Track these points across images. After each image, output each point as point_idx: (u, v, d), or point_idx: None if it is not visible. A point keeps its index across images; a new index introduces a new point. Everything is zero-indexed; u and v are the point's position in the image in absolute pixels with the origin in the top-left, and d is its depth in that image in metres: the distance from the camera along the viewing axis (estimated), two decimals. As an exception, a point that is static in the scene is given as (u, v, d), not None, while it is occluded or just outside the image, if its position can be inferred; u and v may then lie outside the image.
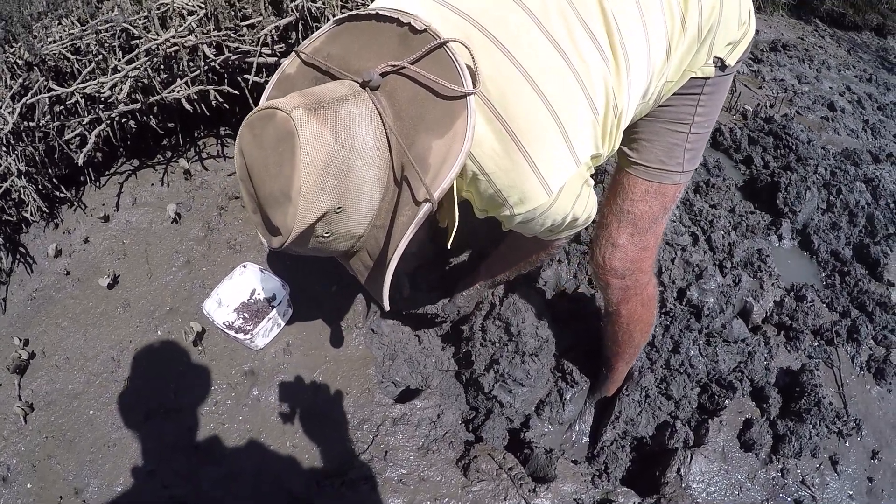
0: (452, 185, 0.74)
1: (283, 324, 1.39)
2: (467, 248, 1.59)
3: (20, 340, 1.43)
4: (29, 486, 1.25)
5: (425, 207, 0.67)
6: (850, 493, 1.38)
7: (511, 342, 1.30)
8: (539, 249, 1.13)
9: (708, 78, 0.91)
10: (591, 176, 0.90)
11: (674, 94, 0.93)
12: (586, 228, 1.62)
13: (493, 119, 0.72)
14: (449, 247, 0.80)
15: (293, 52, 0.79)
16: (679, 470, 1.31)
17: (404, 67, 0.68)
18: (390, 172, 0.70)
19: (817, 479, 1.37)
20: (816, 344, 1.63)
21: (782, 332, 1.64)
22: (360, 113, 0.67)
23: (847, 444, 1.45)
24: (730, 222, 1.80)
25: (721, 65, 0.90)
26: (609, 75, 0.78)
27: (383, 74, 0.69)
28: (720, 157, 2.08)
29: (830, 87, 2.56)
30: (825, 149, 2.15)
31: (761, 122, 2.22)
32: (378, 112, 0.68)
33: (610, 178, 1.13)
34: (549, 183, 0.76)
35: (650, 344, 1.45)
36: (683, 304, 1.53)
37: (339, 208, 0.67)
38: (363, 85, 0.68)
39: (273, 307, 1.36)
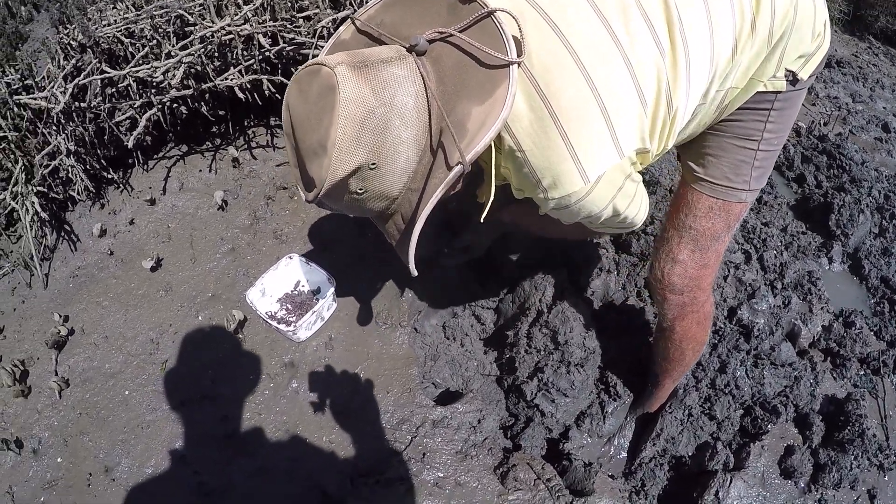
0: (491, 159, 0.76)
1: (326, 318, 1.38)
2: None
3: (60, 316, 1.45)
4: (59, 460, 1.26)
5: (456, 170, 0.68)
6: (885, 528, 1.33)
7: (557, 351, 1.28)
8: (578, 234, 1.11)
9: (779, 92, 0.87)
10: (642, 174, 0.87)
11: (742, 109, 0.90)
12: (636, 237, 1.60)
13: (534, 94, 0.71)
14: (482, 221, 0.81)
15: (348, 20, 0.80)
16: (717, 493, 1.28)
17: (451, 35, 0.69)
18: (428, 136, 0.71)
19: None
20: (862, 373, 1.57)
21: (829, 359, 1.58)
22: (404, 75, 0.68)
23: (886, 479, 1.39)
24: (781, 241, 1.75)
25: (793, 78, 0.86)
26: (664, 67, 0.75)
27: (430, 41, 0.70)
28: (773, 174, 2.03)
29: (884, 108, 2.48)
30: (879, 171, 2.08)
31: (815, 140, 2.15)
32: (421, 76, 0.69)
33: (673, 193, 1.10)
34: (587, 169, 0.73)
35: (697, 362, 1.41)
36: (734, 323, 1.48)
37: (373, 164, 0.68)
38: (410, 49, 0.70)
39: (318, 300, 1.36)
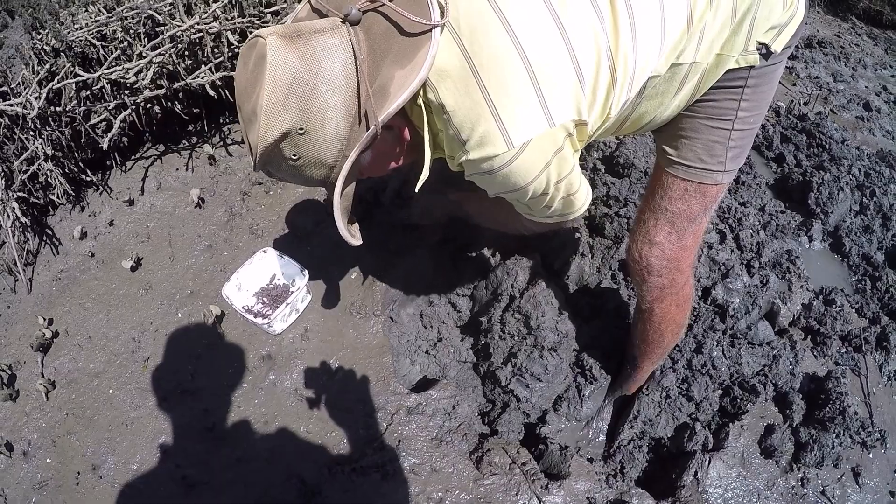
0: (424, 124, 0.78)
1: (301, 309, 1.40)
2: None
3: (44, 320, 1.46)
4: (48, 460, 1.28)
5: (370, 131, 0.71)
6: (871, 506, 1.33)
7: (530, 336, 1.28)
8: (524, 225, 1.09)
9: (752, 68, 0.85)
10: (583, 157, 0.86)
11: (715, 88, 0.88)
12: (610, 220, 1.60)
13: (460, 54, 0.71)
14: (416, 190, 0.83)
15: None
16: (696, 474, 1.28)
17: (382, 4, 0.72)
18: (357, 103, 0.73)
19: (838, 490, 1.32)
20: (844, 350, 1.57)
21: (809, 337, 1.58)
22: (335, 44, 0.70)
23: (871, 456, 1.39)
24: (759, 221, 1.74)
25: (766, 51, 0.83)
26: (602, 31, 0.74)
27: (363, 11, 0.72)
28: (751, 154, 2.02)
29: (866, 87, 2.46)
30: (859, 149, 2.07)
31: (794, 120, 2.14)
32: (352, 45, 0.71)
33: (649, 176, 1.10)
34: (510, 133, 0.72)
35: (685, 329, 1.40)
36: (708, 303, 1.48)
37: (301, 129, 0.71)
38: (344, 20, 0.72)
39: (292, 293, 1.37)
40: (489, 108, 0.71)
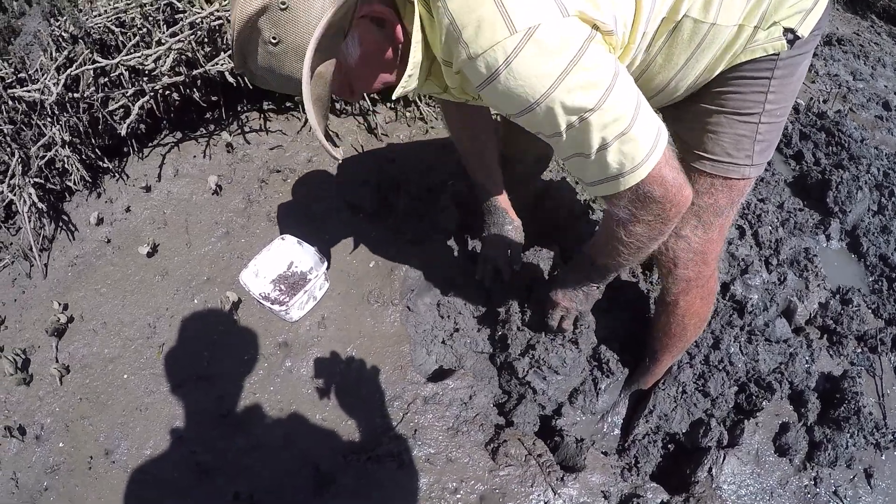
0: (416, 23, 0.69)
1: (318, 297, 1.40)
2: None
3: (59, 305, 1.47)
4: (61, 444, 1.29)
5: (334, 9, 0.62)
6: (882, 508, 1.32)
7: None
8: (612, 222, 0.87)
9: (778, 57, 0.83)
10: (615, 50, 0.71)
11: (741, 79, 0.86)
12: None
13: None
14: (394, 97, 0.75)
15: None
16: (710, 469, 1.28)
17: None
18: None
19: (850, 491, 1.32)
20: (860, 350, 1.56)
21: (825, 336, 1.58)
22: None
23: (883, 458, 1.39)
24: (777, 218, 1.74)
25: (793, 37, 0.80)
26: None
27: None
28: (768, 152, 2.01)
29: (885, 86, 2.44)
30: (878, 149, 2.05)
31: (814, 118, 2.13)
32: None
33: None
34: (511, 14, 0.62)
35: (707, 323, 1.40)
36: (727, 298, 1.48)
37: (283, 3, 0.64)
38: None
39: (309, 280, 1.36)
40: None
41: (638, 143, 0.71)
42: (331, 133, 0.84)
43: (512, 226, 1.31)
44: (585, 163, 0.75)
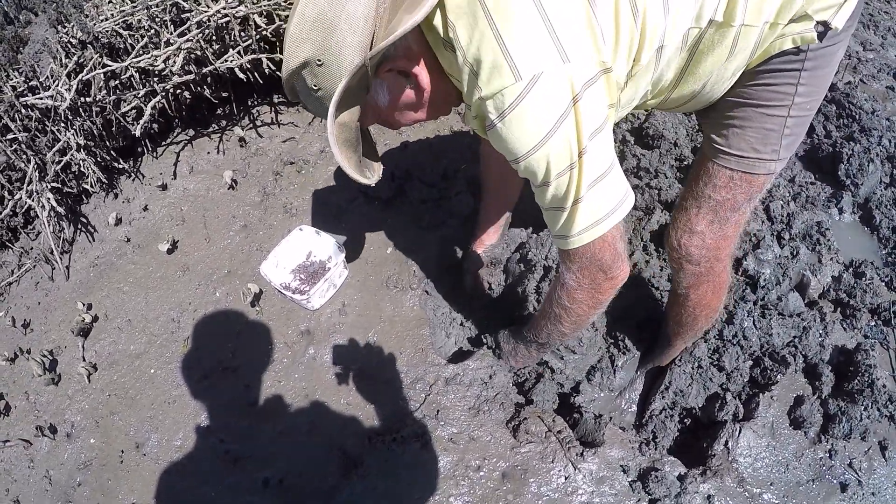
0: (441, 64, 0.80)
1: (338, 285, 1.42)
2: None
3: (83, 305, 1.50)
4: (92, 441, 1.32)
5: (357, 63, 0.74)
6: (897, 481, 1.32)
7: (563, 308, 1.29)
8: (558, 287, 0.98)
9: (809, 48, 0.78)
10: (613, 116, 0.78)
11: (770, 71, 0.83)
12: (641, 192, 1.53)
13: None
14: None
15: None
16: (727, 443, 1.29)
17: None
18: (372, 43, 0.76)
19: (865, 463, 1.32)
20: (873, 323, 1.56)
21: (839, 309, 1.57)
22: None
23: None
24: (789, 192, 1.73)
25: (824, 29, 0.76)
26: None
27: None
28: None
29: None
30: (890, 120, 2.02)
31: (822, 91, 2.10)
32: None
33: (694, 161, 1.06)
34: (517, 63, 0.69)
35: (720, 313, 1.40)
36: (739, 273, 1.48)
37: (319, 61, 0.76)
38: None
39: (329, 269, 1.39)
40: (496, 38, 0.70)
41: (604, 200, 0.80)
42: (363, 160, 0.93)
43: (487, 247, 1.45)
44: (559, 215, 0.82)
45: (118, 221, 1.65)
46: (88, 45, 1.58)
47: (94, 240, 1.65)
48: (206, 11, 1.50)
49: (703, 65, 0.83)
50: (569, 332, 1.06)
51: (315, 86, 0.80)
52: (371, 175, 0.94)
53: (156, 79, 1.59)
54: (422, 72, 0.82)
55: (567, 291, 0.94)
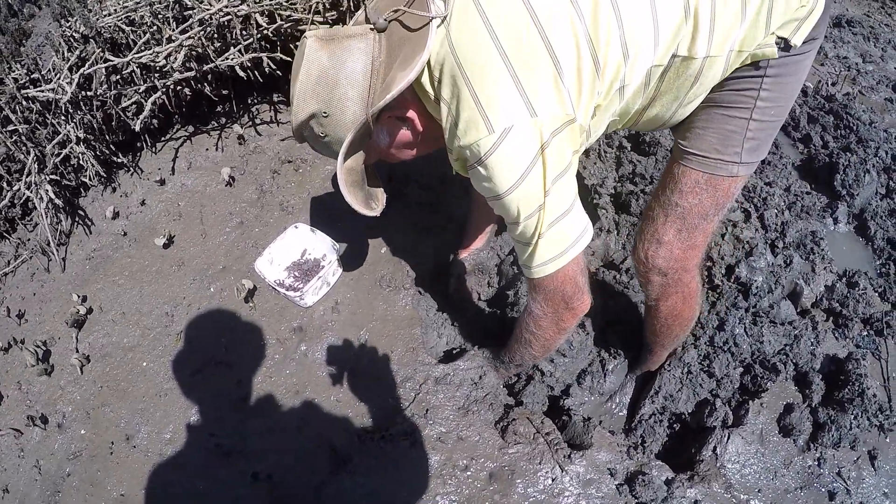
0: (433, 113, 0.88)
1: (332, 283, 1.43)
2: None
3: (79, 297, 1.51)
4: (83, 432, 1.33)
5: (361, 118, 0.84)
6: (886, 490, 1.31)
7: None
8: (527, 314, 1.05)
9: (768, 63, 0.82)
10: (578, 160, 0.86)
11: (731, 77, 0.85)
12: (636, 198, 1.54)
13: (449, 51, 0.80)
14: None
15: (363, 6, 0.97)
16: (715, 449, 1.29)
17: (403, 12, 0.83)
18: (372, 97, 0.86)
19: (853, 472, 1.32)
20: (865, 333, 1.56)
21: (831, 318, 1.57)
22: (360, 47, 0.84)
23: (888, 440, 1.38)
24: (784, 201, 1.74)
25: (784, 45, 0.80)
26: (580, 23, 0.75)
27: (388, 21, 0.84)
28: (777, 134, 1.98)
29: (895, 68, 2.41)
30: (887, 132, 2.03)
31: (822, 101, 2.11)
32: (372, 49, 0.84)
33: (662, 170, 1.07)
34: (490, 118, 0.77)
35: (696, 320, 1.41)
36: (731, 280, 1.49)
37: (325, 113, 0.86)
38: (373, 28, 0.85)
39: (323, 266, 1.40)
40: (471, 95, 0.78)
41: (563, 236, 0.86)
42: (371, 192, 1.03)
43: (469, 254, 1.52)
44: (525, 249, 0.89)
45: (115, 215, 1.66)
46: (91, 40, 1.60)
47: (90, 233, 1.66)
48: (208, 9, 1.51)
49: (670, 94, 0.87)
50: (539, 354, 1.14)
51: (322, 133, 0.89)
52: (376, 206, 1.03)
53: (157, 75, 1.60)
54: (416, 116, 0.92)
55: (534, 319, 1.01)
